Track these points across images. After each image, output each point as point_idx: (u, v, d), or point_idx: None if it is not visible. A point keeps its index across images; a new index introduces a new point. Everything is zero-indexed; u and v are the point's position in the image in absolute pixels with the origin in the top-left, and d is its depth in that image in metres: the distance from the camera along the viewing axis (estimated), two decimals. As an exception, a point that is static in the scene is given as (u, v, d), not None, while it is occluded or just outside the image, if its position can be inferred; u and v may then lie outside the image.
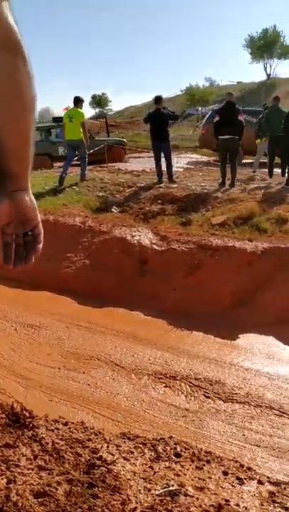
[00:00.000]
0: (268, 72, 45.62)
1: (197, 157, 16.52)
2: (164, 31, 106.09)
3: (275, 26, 43.75)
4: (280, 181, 9.12)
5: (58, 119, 13.54)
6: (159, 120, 9.03)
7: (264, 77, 45.40)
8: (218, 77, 52.79)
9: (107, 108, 49.46)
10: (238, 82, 45.41)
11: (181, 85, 49.54)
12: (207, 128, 12.81)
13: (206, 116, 14.32)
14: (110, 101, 50.22)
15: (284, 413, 3.72)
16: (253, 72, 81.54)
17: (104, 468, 1.82)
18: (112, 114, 38.10)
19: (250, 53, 45.30)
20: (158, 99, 9.30)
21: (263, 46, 43.73)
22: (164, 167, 9.28)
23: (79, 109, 9.68)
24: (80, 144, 9.50)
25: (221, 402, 3.92)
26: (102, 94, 50.13)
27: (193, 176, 10.28)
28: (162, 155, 9.26)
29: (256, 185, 8.61)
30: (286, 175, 8.95)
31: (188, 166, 12.96)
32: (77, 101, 9.76)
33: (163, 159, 9.28)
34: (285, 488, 1.71)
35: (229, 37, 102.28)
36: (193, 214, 7.35)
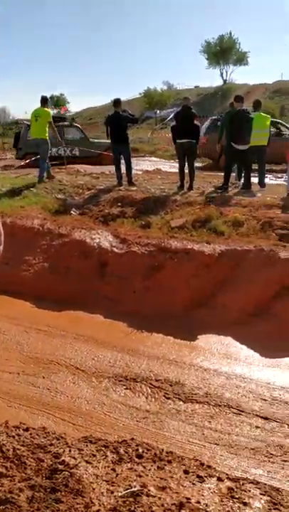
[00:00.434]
0: (224, 78, 46.68)
1: (156, 160, 16.68)
2: (122, 34, 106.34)
3: (230, 33, 44.90)
4: (236, 185, 9.37)
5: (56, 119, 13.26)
6: (118, 123, 9.06)
7: (220, 83, 46.43)
8: (176, 81, 53.44)
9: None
10: (195, 87, 46.25)
11: (139, 88, 49.82)
12: (208, 137, 12.66)
13: (207, 125, 13.96)
14: (68, 102, 49.85)
15: (242, 411, 3.83)
16: (210, 77, 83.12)
17: (66, 473, 1.82)
18: (70, 115, 37.83)
19: (207, 59, 46.22)
20: (116, 102, 9.32)
21: (219, 52, 44.71)
22: (123, 170, 9.32)
23: (46, 109, 9.62)
24: (42, 144, 9.43)
25: (181, 402, 3.99)
26: (60, 94, 49.67)
27: (152, 179, 10.37)
28: (122, 157, 9.30)
29: (213, 189, 8.80)
30: (242, 179, 9.20)
31: (148, 169, 13.06)
32: (44, 100, 9.70)
33: (123, 161, 9.33)
34: (243, 484, 1.78)
35: (187, 41, 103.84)
36: (152, 217, 7.42)
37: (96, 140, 15.22)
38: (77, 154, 14.08)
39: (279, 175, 11.97)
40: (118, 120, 9.05)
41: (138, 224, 7.20)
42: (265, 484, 1.82)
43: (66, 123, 14.85)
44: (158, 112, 34.37)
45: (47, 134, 9.37)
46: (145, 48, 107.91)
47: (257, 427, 3.63)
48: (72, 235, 6.77)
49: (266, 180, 9.79)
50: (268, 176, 11.26)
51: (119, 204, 7.97)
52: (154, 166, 14.20)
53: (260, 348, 4.85)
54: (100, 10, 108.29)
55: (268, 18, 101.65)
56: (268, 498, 1.66)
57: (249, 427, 3.65)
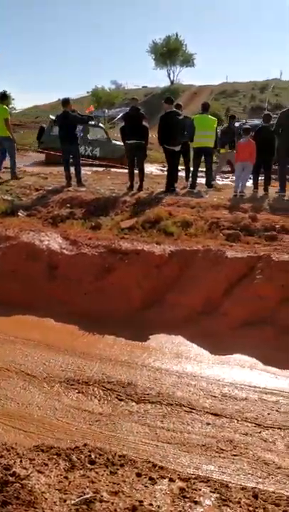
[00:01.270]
0: (172, 79, 47.20)
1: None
2: (71, 31, 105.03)
3: (177, 34, 45.45)
4: (184, 185, 9.53)
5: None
6: (67, 123, 8.96)
7: (168, 83, 46.92)
8: (124, 81, 53.50)
9: (10, 106, 47.70)
10: (143, 87, 46.49)
11: (87, 87, 49.43)
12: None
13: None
14: (13, 99, 48.51)
15: (193, 409, 3.91)
16: (158, 78, 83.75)
17: (17, 485, 1.79)
18: (15, 113, 36.87)
19: (154, 59, 46.55)
20: (65, 102, 9.22)
21: (166, 53, 45.15)
22: (72, 170, 9.23)
23: (4, 106, 9.37)
24: (6, 141, 9.22)
25: (134, 403, 4.01)
26: (4, 92, 48.28)
27: (101, 180, 10.35)
28: (71, 157, 9.21)
29: (163, 189, 8.89)
30: (190, 179, 9.38)
31: (97, 169, 12.99)
32: (2, 97, 9.45)
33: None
34: (194, 483, 1.83)
35: (135, 41, 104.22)
36: (102, 218, 7.40)
37: (118, 142, 15.11)
38: (97, 155, 14.08)
39: (225, 175, 12.30)
40: (67, 120, 8.95)
41: (88, 225, 7.16)
42: (216, 481, 1.88)
43: (92, 122, 14.64)
44: (106, 111, 34.28)
45: (8, 131, 9.20)
46: (93, 47, 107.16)
47: (208, 424, 3.72)
48: (20, 237, 6.62)
49: (214, 181, 10.03)
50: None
51: (68, 205, 7.88)
52: (104, 167, 14.14)
53: (210, 345, 4.97)
54: (44, 8, 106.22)
55: (215, 22, 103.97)
56: (218, 495, 1.71)
57: (200, 424, 3.73)
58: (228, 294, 5.58)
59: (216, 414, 3.84)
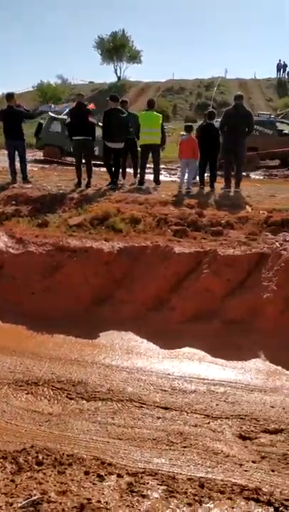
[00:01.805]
0: (118, 75, 47.05)
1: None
2: (15, 23, 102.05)
3: (123, 30, 45.34)
4: (132, 182, 9.55)
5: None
6: (12, 118, 8.73)
7: (115, 79, 46.73)
8: (70, 76, 52.66)
9: None
10: (90, 82, 46.01)
11: (32, 81, 48.18)
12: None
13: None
14: None
15: (143, 404, 3.94)
16: (105, 73, 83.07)
17: None
18: None
19: (101, 54, 46.23)
20: (9, 96, 8.99)
21: (113, 49, 44.96)
22: (17, 166, 9.02)
23: None
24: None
25: (84, 401, 3.99)
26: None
27: (48, 176, 10.18)
28: (16, 153, 8.99)
29: (111, 186, 8.88)
30: (138, 175, 9.41)
31: (44, 166, 12.76)
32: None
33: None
34: (142, 477, 1.85)
35: (82, 36, 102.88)
36: (49, 215, 7.29)
37: None
38: (96, 153, 13.70)
39: (173, 172, 12.45)
40: (12, 115, 8.72)
41: (34, 223, 7.02)
42: (163, 474, 1.91)
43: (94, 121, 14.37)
44: (53, 106, 33.67)
45: None
46: (37, 41, 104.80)
47: (158, 418, 3.76)
48: None
49: (161, 178, 10.11)
50: (163, 172, 11.66)
51: (13, 202, 7.69)
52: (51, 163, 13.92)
53: (160, 340, 5.03)
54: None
55: (161, 19, 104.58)
56: (165, 487, 1.74)
57: (151, 418, 3.77)
58: (176, 289, 5.66)
59: (166, 408, 3.89)
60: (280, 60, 42.56)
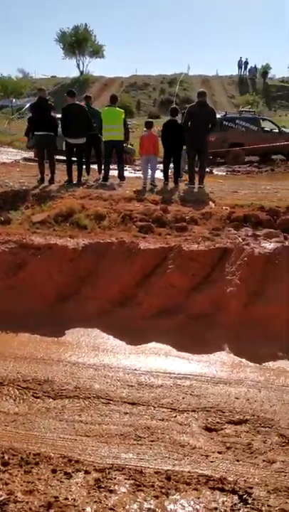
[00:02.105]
0: (81, 69, 46.58)
1: (14, 151, 16.03)
2: None
3: (86, 24, 44.91)
4: (97, 178, 9.51)
5: None
6: None
7: (78, 73, 46.24)
8: (32, 70, 51.76)
9: None
10: (52, 77, 45.36)
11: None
12: (216, 136, 13.50)
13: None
14: None
15: (110, 400, 3.95)
16: (68, 68, 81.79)
17: None
18: None
19: (63, 48, 45.63)
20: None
21: (75, 43, 44.46)
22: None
23: None
24: None
25: (51, 399, 3.96)
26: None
27: (10, 172, 9.98)
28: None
29: (74, 182, 8.81)
30: (102, 171, 9.38)
31: (5, 161, 12.50)
32: None
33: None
34: (109, 473, 1.86)
35: (44, 29, 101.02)
36: (12, 212, 7.16)
37: None
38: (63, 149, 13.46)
39: (138, 168, 12.47)
40: None
41: (-3, 220, 6.88)
42: (130, 469, 1.93)
43: None
44: (14, 100, 33.02)
45: None
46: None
47: (125, 413, 3.78)
48: None
49: (126, 174, 10.11)
50: (128, 169, 11.66)
51: (-26, 199, 7.51)
52: (13, 158, 13.66)
53: (126, 336, 5.04)
54: None
55: (125, 14, 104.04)
56: (132, 481, 1.76)
57: (118, 414, 3.78)
58: (142, 284, 5.68)
59: (133, 403, 3.92)
60: (241, 58, 43.30)
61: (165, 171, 9.14)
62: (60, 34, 45.04)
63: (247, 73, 43.24)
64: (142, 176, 9.48)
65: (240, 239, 5.98)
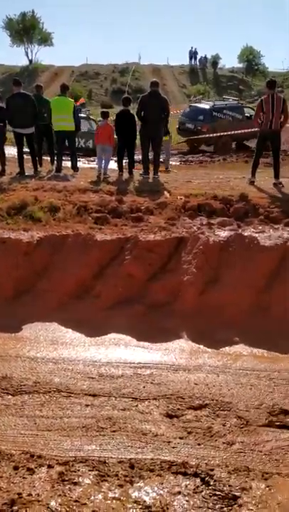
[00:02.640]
0: (30, 58, 45.33)
1: None
2: None
3: (33, 11, 43.68)
4: (49, 169, 9.33)
5: None
6: None
7: (27, 62, 44.97)
8: (-22, 57, 49.94)
9: None
10: (-1, 65, 43.86)
11: None
12: (208, 127, 14.57)
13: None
14: None
15: (71, 393, 3.93)
16: (16, 56, 79.03)
17: None
18: None
19: (10, 36, 44.21)
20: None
21: (22, 30, 43.18)
22: None
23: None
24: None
25: (10, 396, 3.89)
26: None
27: None
28: None
29: (28, 174, 8.62)
30: (55, 162, 9.21)
31: None
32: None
33: None
34: (72, 465, 1.86)
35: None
36: None
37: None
38: (90, 147, 13.35)
39: (92, 158, 12.32)
40: None
41: None
42: (94, 460, 1.94)
43: (83, 115, 14.04)
44: None
45: None
46: None
47: (87, 405, 3.78)
48: None
49: (79, 164, 9.98)
50: (81, 159, 11.51)
51: None
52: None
53: (85, 328, 5.03)
54: None
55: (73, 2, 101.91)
56: (96, 472, 1.77)
57: (79, 406, 3.77)
58: (99, 276, 5.67)
59: (94, 395, 3.92)
60: (192, 47, 43.49)
61: (119, 161, 9.09)
62: (7, 21, 43.57)
63: (197, 63, 43.57)
64: (96, 166, 9.39)
65: (195, 228, 6.07)
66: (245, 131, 13.50)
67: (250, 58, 44.57)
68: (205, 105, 16.63)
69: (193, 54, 43.23)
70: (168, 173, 9.76)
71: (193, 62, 43.64)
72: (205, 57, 43.63)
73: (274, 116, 7.69)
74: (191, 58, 43.58)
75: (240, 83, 42.62)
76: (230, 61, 70.12)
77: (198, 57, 43.45)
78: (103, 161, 8.86)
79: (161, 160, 9.94)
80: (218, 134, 14.48)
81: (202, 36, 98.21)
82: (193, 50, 43.22)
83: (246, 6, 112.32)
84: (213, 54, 44.20)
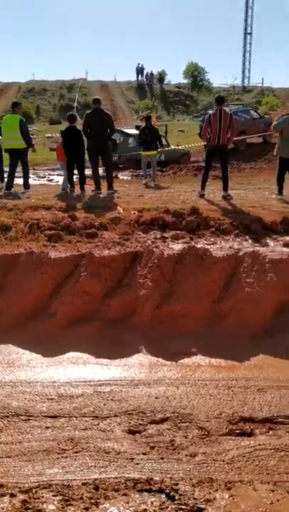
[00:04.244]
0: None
1: None
2: None
3: (-25, 27, 43.00)
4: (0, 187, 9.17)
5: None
6: None
7: (-29, 78, 44.07)
8: None
9: None
10: None
11: None
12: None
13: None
14: None
15: (30, 416, 3.83)
16: None
17: None
18: None
19: None
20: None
21: None
22: None
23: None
24: None
25: None
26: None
27: None
28: None
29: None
30: (5, 180, 9.06)
31: None
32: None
33: None
34: (36, 492, 1.81)
35: None
36: None
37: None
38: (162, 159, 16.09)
39: (41, 174, 12.24)
40: None
41: None
42: (57, 484, 1.90)
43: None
44: None
45: None
46: None
47: (47, 428, 3.70)
48: None
49: (30, 181, 9.87)
50: (32, 176, 11.39)
51: None
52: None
53: (43, 348, 4.92)
54: None
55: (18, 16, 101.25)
56: (61, 497, 1.74)
57: (40, 429, 3.68)
58: (55, 294, 5.59)
59: (54, 416, 3.84)
60: (138, 64, 44.31)
61: (69, 178, 9.08)
62: None
63: (144, 79, 44.40)
64: (47, 182, 9.33)
65: (149, 242, 6.14)
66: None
67: (195, 74, 45.93)
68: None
69: (140, 70, 44.06)
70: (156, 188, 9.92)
71: (140, 78, 44.44)
72: (151, 74, 44.55)
73: (221, 131, 7.96)
74: (138, 74, 44.39)
75: (187, 98, 43.77)
76: (176, 77, 71.80)
77: (145, 73, 44.33)
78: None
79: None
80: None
81: (148, 53, 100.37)
82: (140, 66, 44.07)
83: (192, 24, 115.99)
84: (160, 70, 45.26)
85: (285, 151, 8.45)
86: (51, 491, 1.72)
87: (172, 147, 18.86)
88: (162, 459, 3.29)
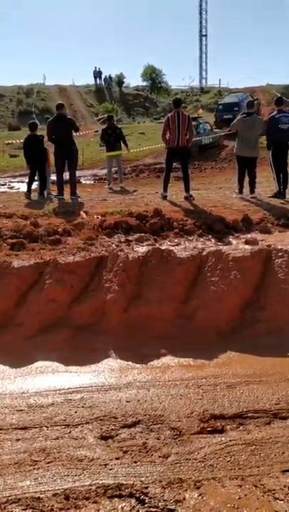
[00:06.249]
0: None
1: None
2: None
3: None
4: None
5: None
6: None
7: None
8: None
9: None
10: None
11: None
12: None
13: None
14: None
15: (0, 429, 3.76)
16: None
17: None
18: None
19: None
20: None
21: None
22: None
23: None
24: None
25: None
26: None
27: None
28: None
29: None
30: None
31: None
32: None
33: None
34: (5, 508, 1.78)
35: None
36: None
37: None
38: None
39: (1, 182, 12.04)
40: None
41: None
42: (27, 498, 1.87)
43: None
44: None
45: None
46: None
47: (18, 440, 3.63)
48: None
49: None
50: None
51: None
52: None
53: (9, 360, 4.84)
54: None
55: None
56: (30, 510, 1.71)
57: (10, 442, 3.61)
58: (20, 303, 5.51)
59: (25, 428, 3.77)
60: (95, 68, 44.24)
61: (29, 185, 8.98)
62: None
63: (103, 83, 44.35)
64: (7, 190, 9.18)
65: (114, 246, 6.14)
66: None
67: (153, 77, 46.24)
68: (232, 99, 24.52)
69: (97, 74, 43.99)
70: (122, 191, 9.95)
71: (98, 82, 44.38)
72: (110, 77, 44.56)
73: (180, 133, 8.06)
74: (95, 78, 44.32)
75: (146, 100, 44.00)
76: (134, 80, 72.06)
77: (103, 76, 44.30)
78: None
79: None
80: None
81: (106, 56, 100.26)
82: (98, 70, 43.99)
83: (147, 25, 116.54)
84: (118, 73, 45.33)
85: (242, 150, 8.64)
86: (20, 505, 1.69)
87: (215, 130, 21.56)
88: (135, 462, 3.30)
